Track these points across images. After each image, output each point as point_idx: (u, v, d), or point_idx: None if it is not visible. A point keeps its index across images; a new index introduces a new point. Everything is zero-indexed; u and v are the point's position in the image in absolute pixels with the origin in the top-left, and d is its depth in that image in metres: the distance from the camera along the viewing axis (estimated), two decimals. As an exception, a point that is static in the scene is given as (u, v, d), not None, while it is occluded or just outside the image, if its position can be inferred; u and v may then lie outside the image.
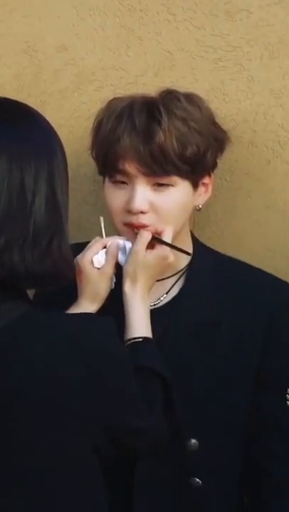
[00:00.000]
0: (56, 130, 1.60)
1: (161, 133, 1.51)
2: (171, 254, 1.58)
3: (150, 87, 1.72)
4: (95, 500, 1.36)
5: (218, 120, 1.66)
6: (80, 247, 1.65)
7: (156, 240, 1.55)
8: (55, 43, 1.95)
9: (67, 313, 1.48)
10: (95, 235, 1.72)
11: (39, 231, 1.27)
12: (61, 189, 1.31)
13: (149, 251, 1.55)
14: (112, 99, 1.64)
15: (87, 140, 1.68)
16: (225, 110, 1.75)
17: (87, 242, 1.66)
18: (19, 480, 1.25)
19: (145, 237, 1.54)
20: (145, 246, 1.55)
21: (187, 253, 1.61)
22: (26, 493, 1.26)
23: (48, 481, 1.27)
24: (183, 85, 1.71)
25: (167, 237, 1.56)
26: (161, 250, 1.56)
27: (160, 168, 1.53)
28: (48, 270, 1.28)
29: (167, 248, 1.57)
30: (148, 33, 1.86)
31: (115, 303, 1.58)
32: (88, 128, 1.70)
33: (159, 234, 1.57)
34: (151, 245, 1.56)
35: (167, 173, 1.54)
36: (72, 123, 1.95)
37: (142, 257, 1.54)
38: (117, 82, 1.89)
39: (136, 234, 1.59)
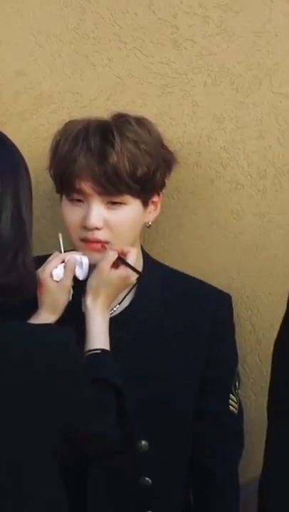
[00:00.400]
0: None
1: (114, 154, 1.57)
2: (133, 276, 1.61)
3: (103, 110, 1.77)
4: (58, 499, 1.37)
5: (165, 142, 1.70)
6: (41, 260, 1.69)
7: (120, 260, 1.60)
8: (14, 68, 1.94)
9: (29, 324, 1.50)
10: (53, 249, 1.76)
11: (5, 246, 1.30)
12: (25, 207, 1.34)
13: (113, 270, 1.59)
14: (69, 122, 1.69)
15: (44, 159, 1.72)
16: (171, 133, 1.78)
17: (47, 255, 1.70)
18: None
19: (111, 256, 1.59)
20: (110, 265, 1.59)
21: (139, 273, 1.63)
22: None
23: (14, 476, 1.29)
24: (133, 109, 1.77)
25: (131, 260, 1.61)
26: (124, 271, 1.61)
27: (114, 187, 1.58)
28: (12, 283, 1.31)
29: (130, 270, 1.61)
30: (101, 59, 1.88)
31: (73, 314, 1.61)
32: (46, 148, 1.74)
33: (125, 255, 1.61)
34: (115, 265, 1.59)
35: (120, 192, 1.59)
36: (31, 143, 1.93)
37: (106, 275, 1.58)
38: (72, 105, 1.91)
39: (91, 249, 1.62)
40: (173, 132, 1.81)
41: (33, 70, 1.94)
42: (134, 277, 1.63)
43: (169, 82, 1.85)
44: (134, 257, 1.63)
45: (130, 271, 1.61)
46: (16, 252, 1.31)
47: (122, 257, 1.62)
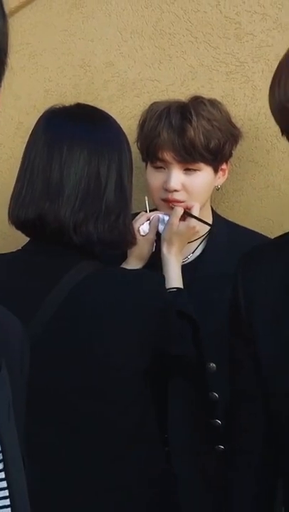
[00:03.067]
0: None
1: (192, 130, 1.66)
2: (197, 226, 1.70)
3: (178, 94, 1.85)
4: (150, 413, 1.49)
5: (232, 120, 1.77)
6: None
7: (186, 214, 1.68)
8: (104, 60, 2.04)
9: (129, 269, 1.60)
10: (137, 209, 1.81)
11: (109, 209, 1.39)
12: (127, 177, 1.43)
13: (181, 222, 1.68)
14: (153, 103, 1.77)
15: (129, 135, 1.68)
16: (235, 112, 1.83)
17: (135, 214, 1.76)
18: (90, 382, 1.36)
19: (178, 211, 1.67)
20: (178, 219, 1.67)
21: (209, 225, 1.73)
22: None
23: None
24: (202, 92, 1.83)
25: (195, 212, 1.68)
26: (190, 222, 1.68)
27: (190, 156, 1.68)
28: (115, 238, 1.40)
29: (195, 220, 1.68)
30: (176, 51, 1.96)
31: (155, 261, 1.71)
32: (131, 126, 1.81)
33: (189, 209, 1.68)
34: (183, 218, 1.68)
35: (195, 160, 1.69)
36: (119, 121, 1.84)
37: (176, 227, 1.67)
38: (152, 91, 1.99)
39: (171, 208, 1.70)
40: (236, 111, 1.86)
41: (120, 61, 2.03)
42: (199, 228, 1.70)
43: (233, 70, 1.91)
44: (198, 210, 1.70)
45: (195, 221, 1.68)
46: (118, 214, 1.39)
47: (188, 211, 1.69)
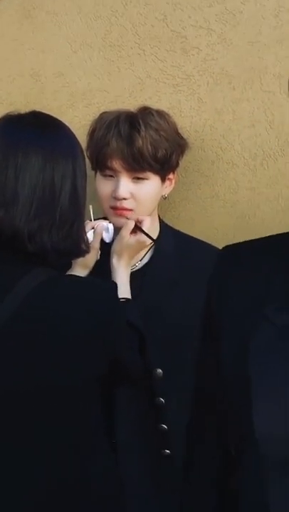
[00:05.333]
0: None
1: (140, 139, 1.64)
2: (147, 240, 1.69)
3: (126, 105, 1.84)
4: (99, 419, 1.46)
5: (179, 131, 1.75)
6: None
7: (137, 228, 1.68)
8: (54, 70, 2.02)
9: (85, 277, 1.58)
10: (86, 217, 1.77)
11: (63, 217, 1.35)
12: (81, 186, 1.39)
13: (132, 236, 1.67)
14: (103, 113, 1.75)
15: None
16: (181, 123, 1.82)
17: None
18: (47, 394, 1.32)
19: (130, 225, 1.67)
20: (129, 232, 1.67)
21: (154, 240, 1.72)
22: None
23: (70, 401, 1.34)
24: (150, 104, 1.81)
25: (146, 226, 1.68)
26: (140, 237, 1.68)
27: (138, 165, 1.66)
28: (68, 247, 1.37)
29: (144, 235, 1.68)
30: (124, 63, 1.95)
31: (101, 269, 1.69)
32: (80, 135, 1.66)
33: (140, 223, 1.68)
34: (133, 231, 1.68)
35: (144, 169, 1.67)
36: None
37: (126, 241, 1.67)
38: (101, 101, 1.98)
39: (119, 215, 1.68)
40: (182, 123, 1.84)
41: (69, 72, 2.01)
42: (148, 241, 1.69)
43: (179, 82, 1.90)
44: (148, 224, 1.69)
45: (144, 236, 1.69)
46: (72, 223, 1.36)
47: (138, 224, 1.68)
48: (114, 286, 1.45)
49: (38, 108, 1.85)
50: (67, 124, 1.85)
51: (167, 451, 1.70)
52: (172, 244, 1.80)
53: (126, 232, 1.68)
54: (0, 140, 1.36)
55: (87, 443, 1.41)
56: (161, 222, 1.83)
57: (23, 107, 1.88)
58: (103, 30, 1.95)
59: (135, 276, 1.74)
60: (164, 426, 1.69)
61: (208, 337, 1.21)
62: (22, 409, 1.32)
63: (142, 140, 1.65)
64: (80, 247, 1.41)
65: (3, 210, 1.31)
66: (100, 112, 1.77)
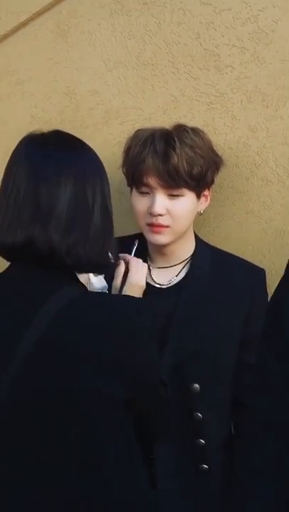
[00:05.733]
0: None
1: (176, 156, 1.66)
2: (141, 281, 1.67)
3: (160, 123, 1.85)
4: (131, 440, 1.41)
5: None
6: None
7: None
8: (88, 88, 2.05)
9: (115, 295, 1.57)
10: (118, 233, 1.74)
11: (97, 233, 1.36)
12: (110, 202, 1.40)
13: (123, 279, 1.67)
14: (138, 130, 1.76)
15: (113, 161, 1.80)
16: (215, 140, 1.82)
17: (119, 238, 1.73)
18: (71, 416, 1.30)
19: (120, 271, 1.67)
20: (120, 280, 1.67)
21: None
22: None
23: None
24: (184, 121, 1.82)
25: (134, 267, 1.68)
26: (131, 278, 1.67)
27: (174, 182, 1.67)
28: (101, 262, 1.38)
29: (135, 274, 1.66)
30: (158, 82, 1.97)
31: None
32: (115, 152, 1.84)
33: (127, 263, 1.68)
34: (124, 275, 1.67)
35: (179, 186, 1.68)
36: (103, 148, 1.87)
37: (121, 292, 1.66)
38: (135, 118, 2.00)
39: (155, 232, 1.70)
40: (216, 140, 1.86)
41: (104, 90, 2.04)
42: (142, 282, 1.66)
43: (213, 100, 1.91)
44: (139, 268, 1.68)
45: (134, 278, 1.66)
46: (104, 238, 1.38)
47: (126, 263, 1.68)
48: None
49: (73, 125, 2.02)
50: (101, 141, 1.98)
51: (205, 466, 1.72)
52: (208, 260, 1.81)
53: (117, 282, 1.67)
54: (28, 159, 1.37)
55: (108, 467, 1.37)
56: (197, 238, 1.85)
57: (59, 125, 2.01)
58: (137, 49, 1.98)
59: (171, 292, 1.77)
60: (201, 441, 1.71)
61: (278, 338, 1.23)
62: (45, 431, 1.32)
63: (178, 157, 1.66)
64: (109, 262, 1.42)
65: (38, 226, 1.32)
66: (135, 130, 1.79)
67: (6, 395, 1.30)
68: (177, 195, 1.70)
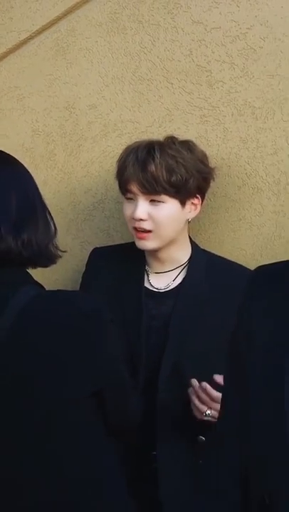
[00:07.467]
0: (89, 166, 1.93)
1: (153, 165, 1.72)
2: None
3: (156, 135, 1.90)
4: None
5: (207, 160, 1.81)
6: (107, 249, 1.89)
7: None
8: (87, 103, 2.10)
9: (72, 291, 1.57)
10: (119, 240, 1.94)
11: (42, 227, 1.44)
12: (42, 199, 1.47)
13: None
14: (132, 144, 1.82)
15: (112, 171, 1.88)
16: (208, 151, 1.87)
17: (111, 246, 1.88)
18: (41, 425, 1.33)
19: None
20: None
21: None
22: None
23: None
24: (179, 134, 1.88)
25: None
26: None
27: (152, 188, 1.73)
28: (51, 252, 1.46)
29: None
30: (153, 96, 2.03)
31: (115, 293, 1.81)
32: (113, 163, 1.87)
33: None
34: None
35: (158, 192, 1.73)
36: (102, 160, 2.09)
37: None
38: (132, 131, 2.06)
39: (139, 237, 1.77)
40: (209, 151, 1.90)
41: (102, 104, 2.10)
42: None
43: (206, 113, 1.96)
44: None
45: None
46: (49, 231, 1.46)
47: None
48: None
49: (74, 138, 2.09)
50: (100, 153, 2.05)
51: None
52: (204, 265, 1.86)
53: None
54: None
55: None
56: (193, 244, 1.90)
57: (60, 138, 2.12)
58: (133, 65, 2.04)
59: (168, 296, 1.82)
60: (202, 438, 1.76)
61: (236, 360, 1.20)
62: (22, 419, 1.35)
63: (156, 166, 1.72)
64: (57, 253, 1.49)
65: None
66: (132, 142, 1.85)
67: None
68: (158, 201, 1.75)
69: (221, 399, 1.30)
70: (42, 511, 1.37)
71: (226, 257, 1.91)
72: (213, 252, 1.93)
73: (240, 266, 1.88)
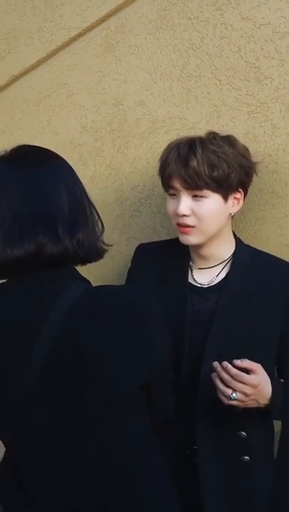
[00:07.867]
0: (136, 162, 1.92)
1: (195, 160, 1.72)
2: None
3: (203, 131, 1.86)
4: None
5: (250, 154, 1.80)
6: (152, 245, 1.88)
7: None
8: (136, 99, 2.12)
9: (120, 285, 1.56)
10: (165, 236, 1.94)
11: (91, 223, 1.44)
12: (86, 195, 1.46)
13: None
14: (174, 140, 1.82)
15: None
16: (256, 148, 1.91)
17: (156, 242, 1.87)
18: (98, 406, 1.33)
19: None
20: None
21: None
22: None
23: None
24: (226, 130, 1.90)
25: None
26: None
27: (194, 184, 1.72)
28: (99, 248, 1.46)
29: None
30: (201, 92, 2.04)
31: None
32: None
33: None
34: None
35: (200, 187, 1.73)
36: (149, 157, 2.10)
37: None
38: (180, 128, 2.07)
39: (183, 232, 1.77)
40: (257, 147, 1.93)
41: (150, 101, 2.12)
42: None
43: (254, 110, 1.96)
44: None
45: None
46: (95, 227, 1.46)
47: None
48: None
49: (122, 135, 2.09)
50: (148, 149, 2.03)
51: (247, 457, 1.78)
52: (248, 261, 1.85)
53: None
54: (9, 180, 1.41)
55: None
56: (237, 240, 1.90)
57: (108, 134, 2.13)
58: (181, 61, 2.04)
59: (212, 292, 1.82)
60: (243, 433, 1.76)
61: None
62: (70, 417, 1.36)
63: (198, 161, 1.72)
64: (104, 248, 1.48)
65: (47, 232, 1.37)
66: None
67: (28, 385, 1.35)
68: (201, 197, 1.75)
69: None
70: (92, 503, 1.38)
71: (271, 253, 1.90)
72: (259, 248, 1.92)
73: (286, 262, 1.87)
